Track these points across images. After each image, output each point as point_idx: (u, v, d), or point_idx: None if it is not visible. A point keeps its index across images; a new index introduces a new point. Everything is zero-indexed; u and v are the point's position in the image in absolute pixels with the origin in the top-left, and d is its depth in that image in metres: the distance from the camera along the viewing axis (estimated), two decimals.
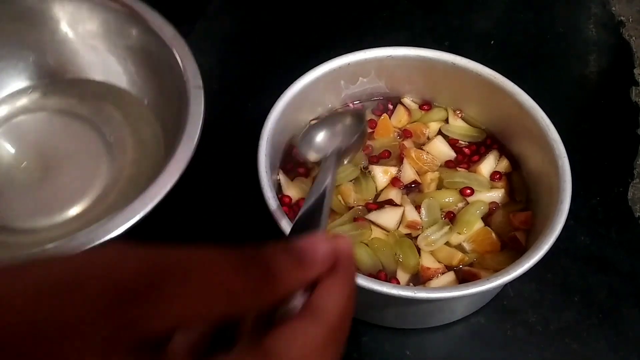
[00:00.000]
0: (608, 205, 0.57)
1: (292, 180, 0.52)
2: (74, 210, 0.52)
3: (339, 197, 0.51)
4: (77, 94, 0.58)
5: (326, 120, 0.51)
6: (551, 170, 0.46)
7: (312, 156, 0.47)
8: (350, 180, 0.52)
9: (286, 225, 0.42)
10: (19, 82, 0.57)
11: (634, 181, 0.59)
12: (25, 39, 0.56)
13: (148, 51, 0.54)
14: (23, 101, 0.57)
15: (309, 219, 0.31)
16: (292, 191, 0.52)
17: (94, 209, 0.51)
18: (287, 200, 0.50)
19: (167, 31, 0.51)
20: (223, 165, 0.59)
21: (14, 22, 0.55)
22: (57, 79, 0.58)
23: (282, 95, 0.51)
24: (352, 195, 0.51)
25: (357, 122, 0.49)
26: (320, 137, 0.48)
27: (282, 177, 0.52)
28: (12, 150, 0.54)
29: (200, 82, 0.49)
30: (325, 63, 0.53)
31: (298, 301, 0.23)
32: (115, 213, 0.42)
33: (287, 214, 0.44)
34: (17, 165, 0.53)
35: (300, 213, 0.32)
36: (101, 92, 0.58)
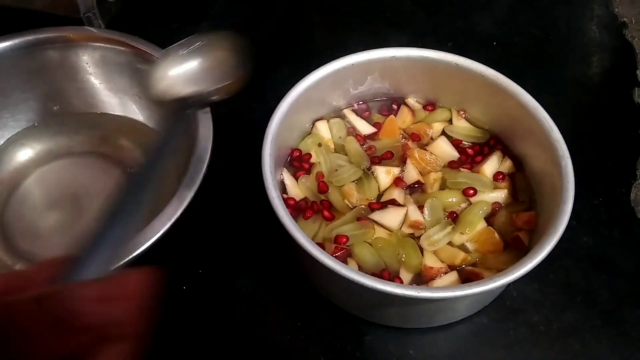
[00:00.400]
0: (611, 206, 0.57)
1: (296, 180, 0.53)
2: None
3: (342, 196, 0.51)
4: (99, 134, 0.62)
5: (195, 47, 0.42)
6: (554, 170, 0.47)
7: (180, 90, 0.39)
8: (353, 181, 0.52)
9: (290, 225, 0.43)
10: (44, 128, 0.62)
11: (637, 182, 0.59)
12: (47, 87, 0.61)
13: None
14: (50, 145, 0.61)
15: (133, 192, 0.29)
16: (296, 191, 0.52)
17: None
18: (291, 202, 0.51)
19: None
20: (228, 165, 0.60)
21: (35, 73, 0.59)
22: (79, 121, 0.62)
23: (286, 96, 0.51)
24: (355, 195, 0.51)
25: (237, 61, 0.40)
26: (196, 66, 0.41)
27: (286, 177, 0.52)
28: (45, 193, 0.58)
29: (207, 109, 0.51)
30: (329, 64, 0.53)
31: None
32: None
33: (291, 214, 0.44)
34: (51, 208, 0.57)
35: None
36: (121, 129, 0.62)
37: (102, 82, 0.61)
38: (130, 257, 0.43)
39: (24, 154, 0.60)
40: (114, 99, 0.62)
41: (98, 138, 0.61)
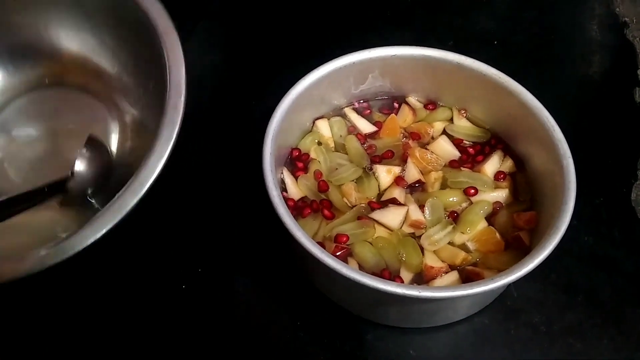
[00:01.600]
0: (611, 205, 0.57)
1: (296, 179, 0.52)
2: None
3: (342, 195, 0.51)
4: (94, 70, 0.59)
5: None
6: (556, 170, 0.47)
7: None
8: (353, 180, 0.52)
9: (291, 223, 0.43)
10: (39, 53, 0.59)
11: (638, 182, 0.59)
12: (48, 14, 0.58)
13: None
14: (42, 72, 0.59)
15: None
16: (296, 189, 0.52)
17: None
18: (291, 203, 0.50)
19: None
20: (228, 163, 0.60)
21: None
22: (64, 58, 0.59)
23: (286, 94, 0.51)
24: (354, 194, 0.51)
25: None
26: None
27: (286, 176, 0.52)
28: (24, 124, 0.56)
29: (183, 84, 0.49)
30: (329, 62, 0.53)
31: None
32: (105, 209, 0.43)
33: (291, 213, 0.44)
34: (27, 139, 0.55)
35: None
36: (116, 73, 0.59)
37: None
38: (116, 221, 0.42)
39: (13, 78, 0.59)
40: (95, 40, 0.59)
41: (92, 74, 0.59)
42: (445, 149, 0.54)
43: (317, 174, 0.52)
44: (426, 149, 0.54)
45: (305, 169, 0.53)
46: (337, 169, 0.53)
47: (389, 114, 0.57)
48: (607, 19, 0.76)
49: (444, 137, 0.55)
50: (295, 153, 0.54)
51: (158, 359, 0.48)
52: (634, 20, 0.75)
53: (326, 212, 0.50)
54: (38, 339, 0.49)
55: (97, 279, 0.52)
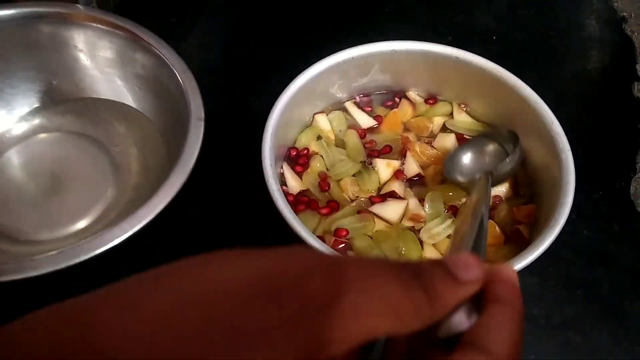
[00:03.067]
0: (610, 199, 0.57)
1: (296, 173, 0.52)
2: (76, 227, 0.54)
3: (341, 190, 0.51)
4: (91, 116, 0.61)
5: (474, 141, 0.52)
6: (555, 164, 0.47)
7: (459, 178, 0.50)
8: (352, 175, 0.52)
9: (290, 217, 0.43)
10: (37, 103, 0.61)
11: (636, 176, 0.59)
12: (43, 63, 0.60)
13: (158, 81, 0.57)
14: (40, 121, 0.60)
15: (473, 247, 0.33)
16: (297, 184, 0.52)
17: (95, 226, 0.54)
18: (290, 198, 0.50)
19: (178, 65, 0.55)
20: (228, 159, 0.60)
21: (31, 47, 0.58)
22: (72, 101, 0.61)
23: (286, 89, 0.51)
24: (350, 189, 0.51)
25: (510, 143, 0.50)
26: (467, 159, 0.51)
27: (286, 170, 0.52)
28: (25, 166, 0.57)
29: (202, 115, 0.52)
30: (329, 57, 0.53)
31: (458, 319, 0.23)
32: (113, 226, 0.44)
33: (291, 207, 0.44)
34: (28, 182, 0.56)
35: (468, 243, 0.33)
36: (114, 115, 0.61)
37: (100, 65, 0.60)
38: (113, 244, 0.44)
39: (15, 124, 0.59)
40: (109, 83, 0.61)
41: (89, 120, 0.60)
42: (445, 143, 0.54)
43: (322, 174, 0.52)
44: (426, 143, 0.54)
45: (306, 164, 0.53)
46: (336, 164, 0.53)
47: (389, 108, 0.57)
48: (605, 14, 0.76)
49: (443, 131, 0.55)
50: (295, 148, 0.54)
51: None
52: (632, 15, 0.75)
53: (325, 209, 0.50)
54: None
55: (97, 277, 0.52)
